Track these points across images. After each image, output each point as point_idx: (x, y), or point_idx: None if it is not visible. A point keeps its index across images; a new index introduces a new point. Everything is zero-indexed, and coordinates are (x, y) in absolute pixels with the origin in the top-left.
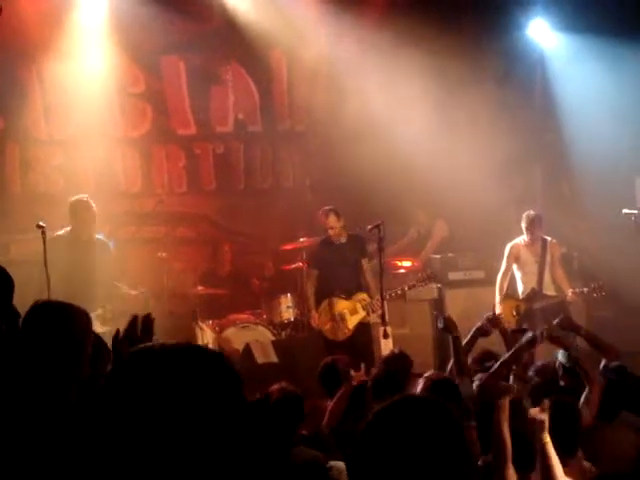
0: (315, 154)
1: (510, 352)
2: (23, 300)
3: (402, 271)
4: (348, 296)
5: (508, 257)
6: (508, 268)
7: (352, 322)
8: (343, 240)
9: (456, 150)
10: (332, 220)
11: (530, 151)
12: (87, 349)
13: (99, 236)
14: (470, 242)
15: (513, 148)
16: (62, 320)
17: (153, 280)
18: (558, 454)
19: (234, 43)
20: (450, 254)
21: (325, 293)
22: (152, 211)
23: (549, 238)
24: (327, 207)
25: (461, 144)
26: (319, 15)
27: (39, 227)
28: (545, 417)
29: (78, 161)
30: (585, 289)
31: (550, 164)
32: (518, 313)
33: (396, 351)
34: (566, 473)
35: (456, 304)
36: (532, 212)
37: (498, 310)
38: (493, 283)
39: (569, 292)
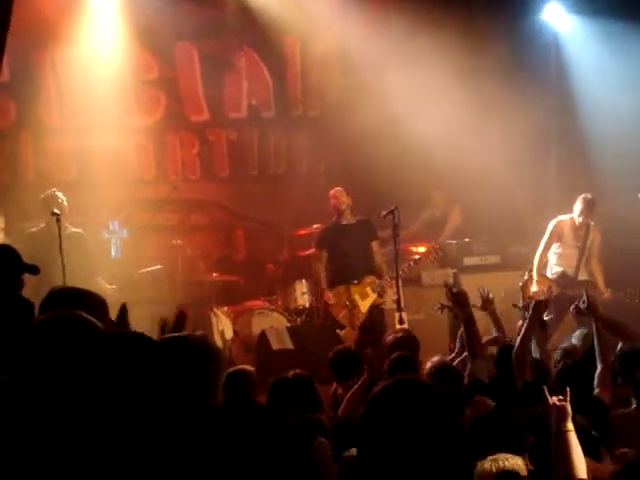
0: (329, 140)
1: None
2: (39, 287)
3: (417, 257)
4: (358, 281)
5: (551, 234)
6: (549, 245)
7: (365, 306)
8: (352, 221)
9: (471, 135)
10: (340, 193)
11: (545, 135)
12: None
13: (75, 229)
14: (485, 227)
15: (528, 132)
16: (80, 306)
17: (168, 267)
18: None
19: (247, 29)
20: (466, 239)
21: (336, 277)
22: (166, 198)
23: (592, 222)
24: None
25: (476, 129)
26: (332, 0)
27: (54, 214)
28: (567, 404)
29: (92, 149)
30: (621, 294)
31: (565, 148)
32: (550, 294)
33: (400, 335)
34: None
35: (472, 289)
36: (589, 195)
37: (535, 288)
38: (509, 268)
39: (606, 293)
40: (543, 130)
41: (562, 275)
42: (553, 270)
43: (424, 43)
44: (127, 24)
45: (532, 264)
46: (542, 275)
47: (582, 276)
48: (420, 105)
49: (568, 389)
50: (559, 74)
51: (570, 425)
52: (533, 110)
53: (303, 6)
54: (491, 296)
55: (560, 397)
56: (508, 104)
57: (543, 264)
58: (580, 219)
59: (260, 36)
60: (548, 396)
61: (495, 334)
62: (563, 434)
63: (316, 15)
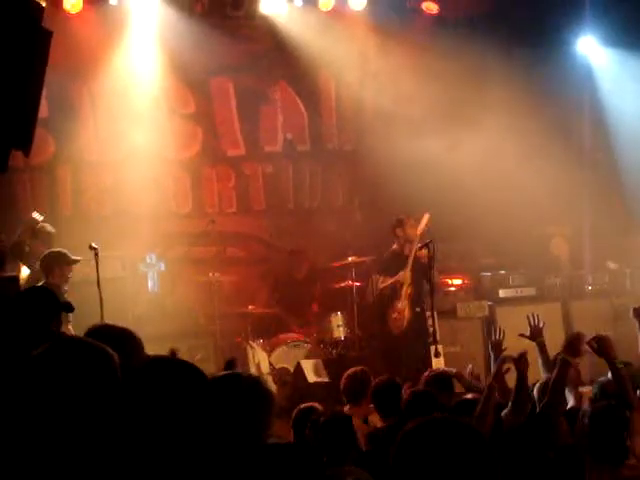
0: (364, 174)
1: None
2: (77, 321)
3: (452, 289)
4: None
5: None
6: None
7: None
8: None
9: (505, 170)
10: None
11: (580, 169)
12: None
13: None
14: (521, 259)
15: (562, 167)
16: (118, 344)
17: (204, 300)
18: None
19: (282, 63)
20: (501, 271)
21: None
22: (203, 231)
23: None
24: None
25: (510, 163)
26: (366, 37)
27: (92, 249)
28: None
29: (129, 183)
30: None
31: (600, 181)
32: None
33: (437, 372)
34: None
35: (507, 322)
36: None
37: None
38: (544, 300)
39: None
40: (578, 163)
41: None
42: None
43: (459, 76)
44: (164, 58)
45: None
46: None
47: None
48: (455, 140)
49: None
50: (593, 108)
51: None
52: (568, 142)
53: (338, 42)
54: (541, 324)
55: None
56: (543, 137)
57: None
58: None
59: (295, 71)
60: None
61: (543, 372)
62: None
63: (351, 51)
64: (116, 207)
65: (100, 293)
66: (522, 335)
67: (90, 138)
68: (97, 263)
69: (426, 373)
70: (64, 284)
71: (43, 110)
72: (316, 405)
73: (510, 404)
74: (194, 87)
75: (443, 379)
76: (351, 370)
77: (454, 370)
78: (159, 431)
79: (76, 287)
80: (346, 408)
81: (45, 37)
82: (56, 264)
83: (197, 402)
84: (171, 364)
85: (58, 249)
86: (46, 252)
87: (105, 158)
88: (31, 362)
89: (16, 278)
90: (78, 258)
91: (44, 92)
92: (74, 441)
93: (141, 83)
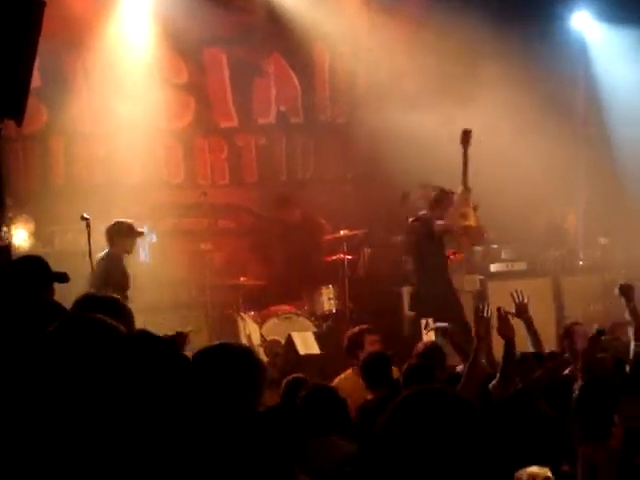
0: (356, 146)
1: None
2: (67, 291)
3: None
4: None
5: None
6: None
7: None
8: None
9: (500, 145)
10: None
11: (574, 145)
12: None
13: None
14: (512, 234)
15: (556, 142)
16: (109, 313)
17: (195, 271)
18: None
19: (276, 35)
20: (493, 245)
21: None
22: (194, 203)
23: None
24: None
25: (505, 139)
26: (360, 10)
27: (84, 219)
28: None
29: (121, 153)
30: None
31: (594, 157)
32: None
33: (429, 345)
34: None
35: (499, 296)
36: None
37: None
38: (536, 275)
39: None
40: (572, 138)
41: None
42: None
43: (452, 51)
44: (158, 28)
45: None
46: None
47: None
48: (449, 115)
49: None
50: (587, 83)
51: None
52: (562, 118)
53: (333, 14)
54: (526, 300)
55: None
56: (537, 113)
57: None
58: None
59: (289, 43)
60: None
61: (531, 348)
62: None
63: (345, 24)
64: (108, 178)
65: (92, 264)
66: (508, 312)
67: (83, 108)
68: (89, 234)
69: (418, 346)
70: (124, 255)
71: (36, 80)
72: (306, 377)
73: (498, 376)
74: (187, 56)
75: (435, 353)
76: (350, 331)
77: (448, 325)
78: (148, 404)
79: (68, 258)
80: (349, 370)
81: (38, 7)
82: (118, 235)
83: (176, 374)
84: (145, 339)
85: (124, 220)
86: (113, 222)
87: (98, 129)
88: (45, 339)
89: (7, 248)
90: (142, 230)
91: (37, 62)
92: (77, 419)
93: (134, 52)
